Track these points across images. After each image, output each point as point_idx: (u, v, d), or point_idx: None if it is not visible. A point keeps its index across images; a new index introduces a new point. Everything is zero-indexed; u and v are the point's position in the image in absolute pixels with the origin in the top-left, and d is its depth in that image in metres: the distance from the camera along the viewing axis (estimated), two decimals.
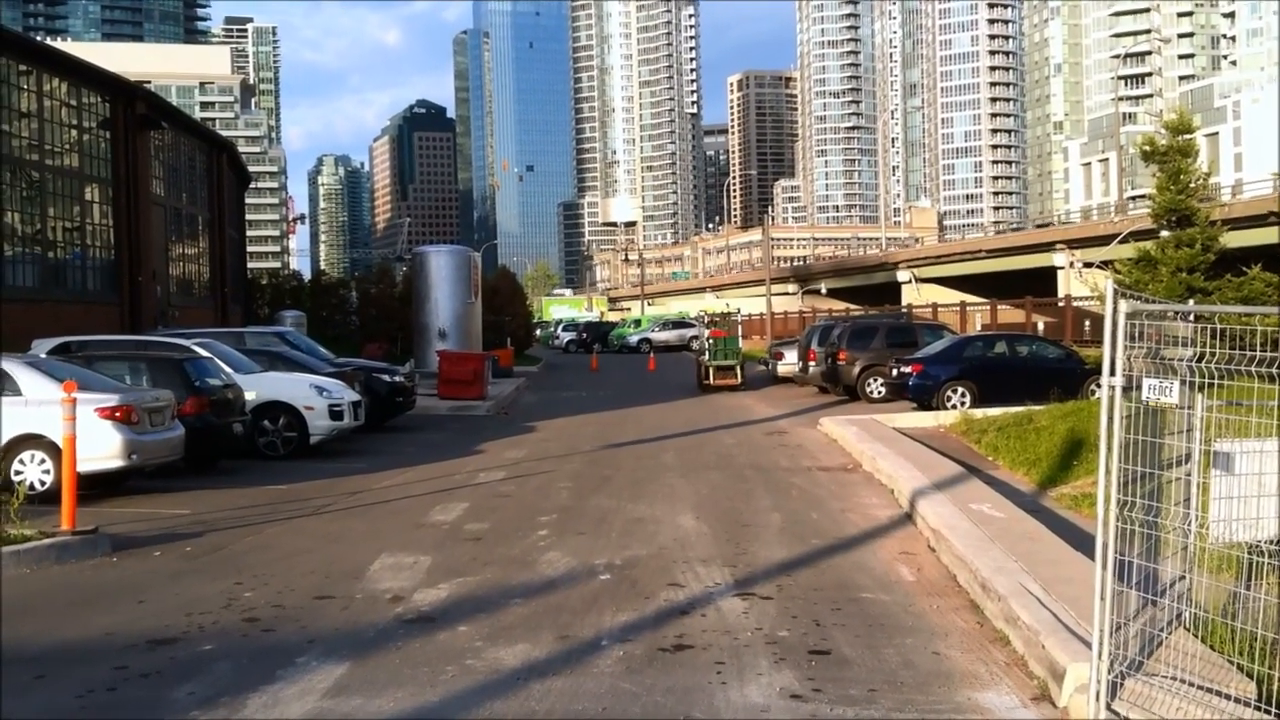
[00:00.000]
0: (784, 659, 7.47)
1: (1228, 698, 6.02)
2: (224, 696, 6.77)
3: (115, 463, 14.13)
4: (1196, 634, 6.86)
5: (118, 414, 14.11)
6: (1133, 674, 6.26)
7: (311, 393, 19.64)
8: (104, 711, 6.65)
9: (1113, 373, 6.08)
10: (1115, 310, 6.04)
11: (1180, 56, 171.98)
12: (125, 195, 32.37)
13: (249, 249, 62.61)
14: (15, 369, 14.49)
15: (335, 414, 19.60)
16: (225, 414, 17.39)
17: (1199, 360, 6.16)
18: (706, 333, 37.36)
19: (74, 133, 31.08)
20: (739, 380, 35.62)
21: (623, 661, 7.44)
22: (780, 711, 6.54)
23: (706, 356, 36.41)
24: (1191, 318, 6.65)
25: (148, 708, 6.68)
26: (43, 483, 13.72)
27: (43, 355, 17.56)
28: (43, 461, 13.89)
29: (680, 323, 76.95)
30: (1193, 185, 24.84)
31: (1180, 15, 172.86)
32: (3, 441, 13.84)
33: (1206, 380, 6.15)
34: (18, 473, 13.80)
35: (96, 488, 14.15)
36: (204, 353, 18.92)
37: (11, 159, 28.13)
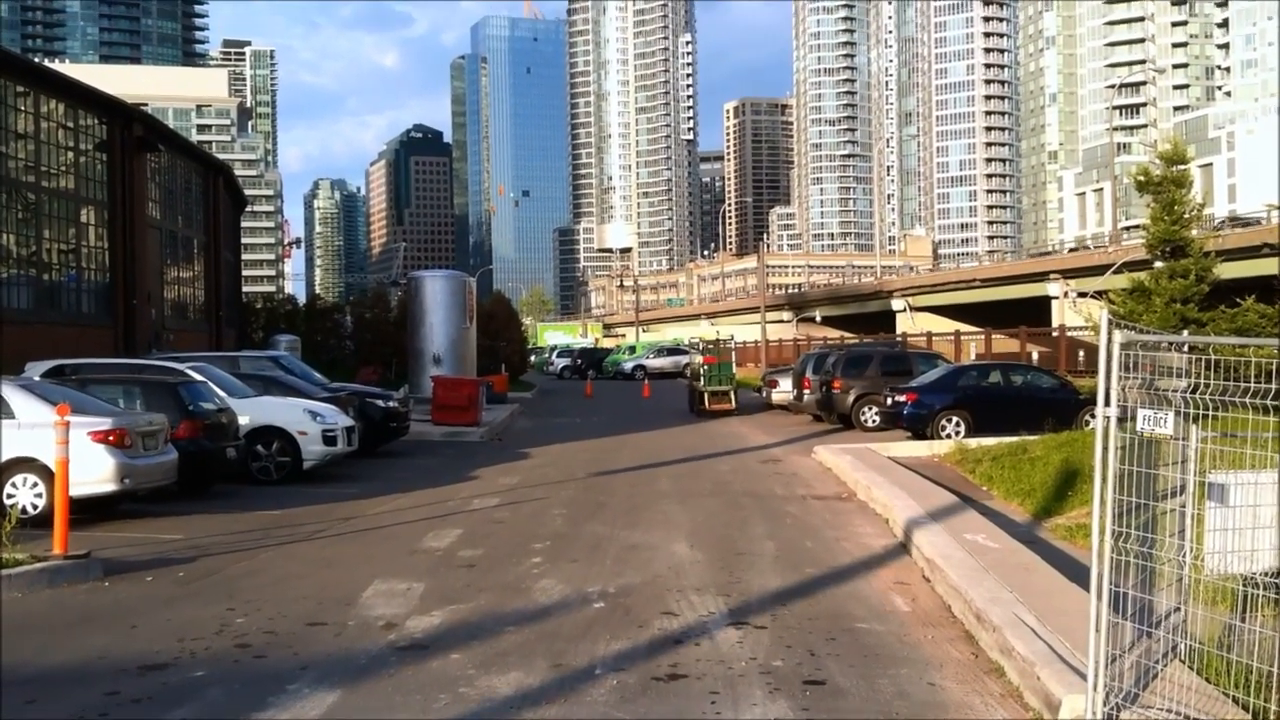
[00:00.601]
0: (778, 689, 7.44)
1: None
2: None
3: (108, 487, 14.08)
4: (1192, 666, 6.85)
5: (111, 438, 14.07)
6: (1128, 706, 6.24)
7: (305, 418, 19.60)
8: None
9: (1107, 403, 6.09)
10: (1110, 341, 6.06)
11: (1175, 87, 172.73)
12: (121, 218, 32.38)
13: (244, 272, 62.56)
14: (8, 392, 14.45)
15: (329, 439, 19.56)
16: (219, 438, 17.35)
17: (1193, 391, 6.17)
18: (700, 359, 37.40)
19: (70, 154, 31.11)
20: (733, 405, 35.73)
21: (616, 690, 7.41)
22: None
23: (701, 382, 36.48)
24: (1186, 348, 6.67)
25: None
26: (35, 506, 13.68)
27: (36, 378, 17.53)
28: (35, 485, 13.84)
29: (675, 349, 76.72)
30: (1187, 216, 24.92)
31: (1175, 46, 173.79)
32: None
33: (1201, 411, 6.17)
34: (10, 496, 13.77)
35: (89, 512, 14.07)
36: (198, 377, 18.89)
37: (8, 180, 28.15)
